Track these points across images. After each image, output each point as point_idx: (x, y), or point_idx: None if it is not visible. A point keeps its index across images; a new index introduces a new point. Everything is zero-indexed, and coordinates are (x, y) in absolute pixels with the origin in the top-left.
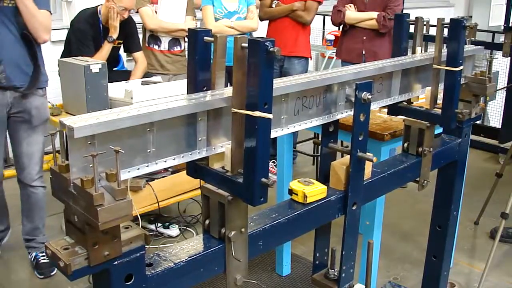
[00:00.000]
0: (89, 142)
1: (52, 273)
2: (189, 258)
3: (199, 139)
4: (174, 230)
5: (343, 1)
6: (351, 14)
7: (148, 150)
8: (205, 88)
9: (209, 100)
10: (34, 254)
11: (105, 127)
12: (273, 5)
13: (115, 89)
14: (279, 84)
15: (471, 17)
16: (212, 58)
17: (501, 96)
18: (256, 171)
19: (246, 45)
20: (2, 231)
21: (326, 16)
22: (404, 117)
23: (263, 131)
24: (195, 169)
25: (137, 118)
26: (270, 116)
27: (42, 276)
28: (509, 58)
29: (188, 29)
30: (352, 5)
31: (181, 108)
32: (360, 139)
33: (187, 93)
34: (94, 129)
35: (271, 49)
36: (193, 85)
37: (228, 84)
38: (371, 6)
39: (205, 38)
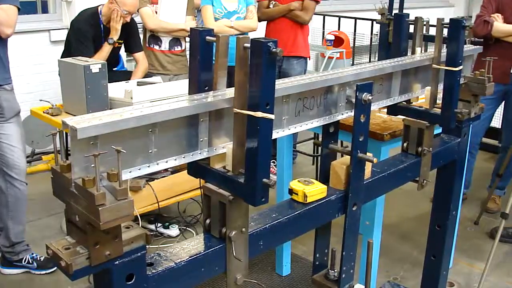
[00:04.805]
0: (91, 142)
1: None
2: (190, 258)
3: (201, 139)
4: (174, 230)
5: (488, 10)
6: (501, 26)
7: (150, 151)
8: (207, 88)
9: (211, 101)
10: (28, 256)
11: (108, 128)
12: (271, 6)
13: (115, 89)
14: (281, 85)
15: (471, 17)
16: (214, 58)
17: None
18: (258, 171)
19: (248, 45)
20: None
21: (326, 16)
22: (404, 117)
23: (264, 131)
24: (196, 168)
25: (140, 119)
26: (272, 116)
27: (44, 272)
28: None
29: (190, 28)
30: (500, 15)
31: (184, 109)
32: (360, 140)
33: (189, 93)
34: (97, 130)
35: (274, 49)
36: (195, 85)
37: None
38: None
39: (207, 38)
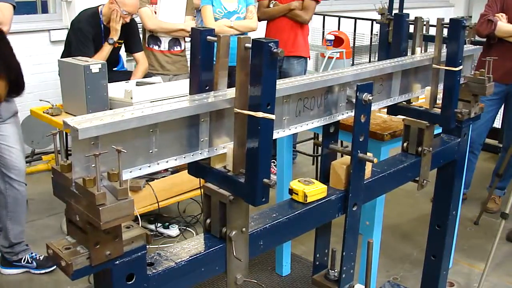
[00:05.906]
0: (92, 142)
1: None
2: (190, 258)
3: (201, 140)
4: (174, 230)
5: (493, 10)
6: (504, 26)
7: (150, 151)
8: (208, 88)
9: (212, 101)
10: (27, 256)
11: (109, 129)
12: (271, 5)
13: (115, 89)
14: (281, 85)
15: (471, 17)
16: (215, 58)
17: None
18: (258, 171)
19: (250, 45)
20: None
21: (326, 16)
22: (404, 117)
23: (265, 131)
24: (197, 168)
25: (141, 119)
26: (272, 116)
27: (44, 271)
28: None
29: (192, 28)
30: (504, 15)
31: (185, 109)
32: (360, 140)
33: (190, 93)
34: (99, 131)
35: (275, 50)
36: (196, 85)
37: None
38: None
39: (208, 37)
